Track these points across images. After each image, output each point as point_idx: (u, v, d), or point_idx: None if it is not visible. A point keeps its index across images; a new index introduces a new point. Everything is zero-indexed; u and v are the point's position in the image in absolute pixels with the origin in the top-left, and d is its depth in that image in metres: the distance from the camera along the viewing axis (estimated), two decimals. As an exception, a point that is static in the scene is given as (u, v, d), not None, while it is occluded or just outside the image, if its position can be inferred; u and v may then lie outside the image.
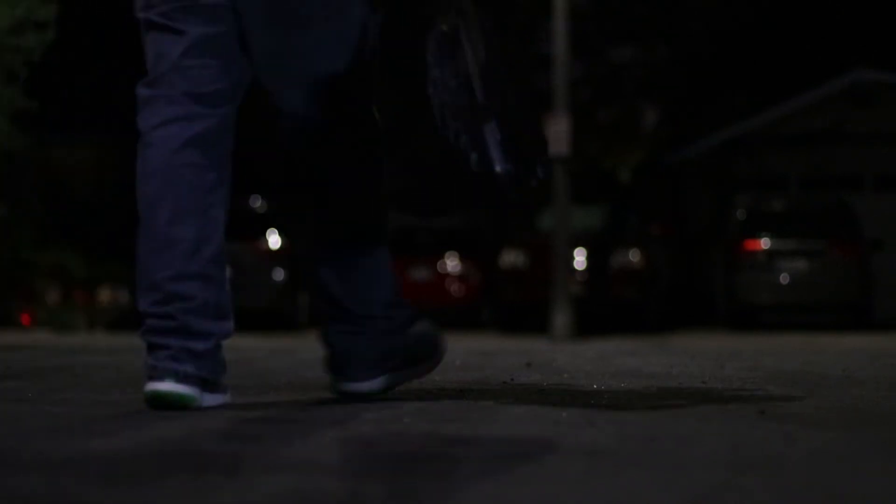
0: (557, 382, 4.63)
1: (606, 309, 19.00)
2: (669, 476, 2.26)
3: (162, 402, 3.30)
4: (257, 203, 19.84)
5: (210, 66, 3.36)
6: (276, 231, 19.37)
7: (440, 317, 21.77)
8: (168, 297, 3.30)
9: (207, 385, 3.35)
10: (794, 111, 23.30)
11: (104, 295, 18.75)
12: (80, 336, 14.73)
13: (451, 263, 21.81)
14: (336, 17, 3.31)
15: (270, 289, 19.09)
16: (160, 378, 3.29)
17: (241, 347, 8.70)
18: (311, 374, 5.11)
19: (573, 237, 16.81)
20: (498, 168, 3.19)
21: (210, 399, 3.38)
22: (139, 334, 3.37)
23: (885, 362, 6.24)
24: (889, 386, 4.44)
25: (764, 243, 19.14)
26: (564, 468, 2.36)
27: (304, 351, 8.04)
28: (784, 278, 18.93)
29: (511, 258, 19.09)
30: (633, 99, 29.52)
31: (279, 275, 19.11)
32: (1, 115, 10.39)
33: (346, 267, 3.52)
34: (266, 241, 19.29)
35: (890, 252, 21.04)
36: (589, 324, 17.12)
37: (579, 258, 18.54)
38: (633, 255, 18.92)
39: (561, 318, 15.70)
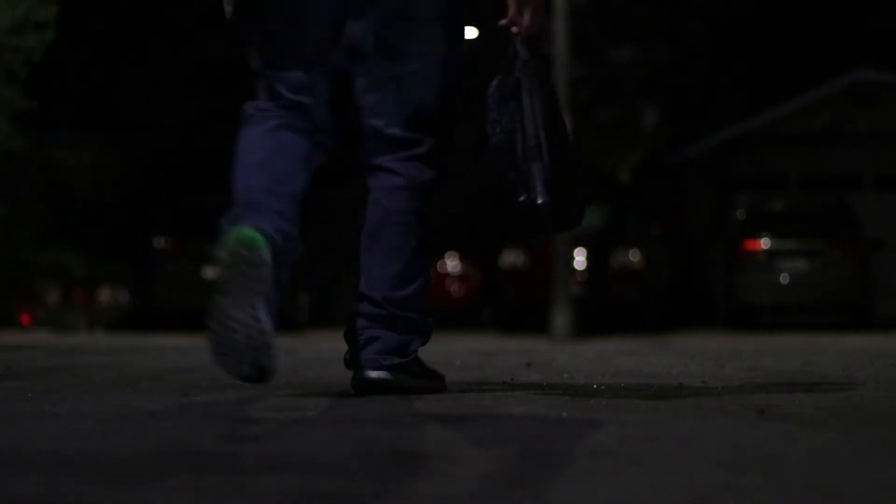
0: (557, 382, 4.63)
1: (606, 309, 18.99)
2: (669, 476, 2.26)
3: (237, 239, 3.53)
4: (257, 203, 19.85)
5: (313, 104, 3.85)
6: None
7: (440, 317, 21.71)
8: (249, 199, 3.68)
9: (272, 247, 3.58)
10: (794, 111, 23.29)
11: (104, 295, 18.74)
12: (80, 336, 14.73)
13: (451, 263, 21.81)
14: (430, 54, 3.80)
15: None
16: (235, 223, 3.59)
17: (241, 347, 8.69)
18: (310, 374, 5.11)
19: (573, 237, 16.79)
20: (540, 200, 3.58)
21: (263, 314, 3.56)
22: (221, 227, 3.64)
23: (885, 362, 6.24)
24: (889, 386, 4.44)
25: (764, 243, 19.13)
26: (564, 468, 2.36)
27: (304, 351, 8.04)
28: (784, 278, 18.92)
29: (511, 258, 19.08)
30: (633, 99, 29.52)
31: (279, 275, 19.10)
32: (1, 115, 10.39)
33: (402, 265, 3.85)
34: (266, 241, 19.29)
35: (890, 252, 21.03)
36: (589, 324, 17.11)
37: (579, 258, 18.53)
38: (633, 255, 18.91)
39: (561, 318, 15.69)
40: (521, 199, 3.57)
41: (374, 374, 3.84)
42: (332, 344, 10.50)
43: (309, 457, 2.50)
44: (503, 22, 3.71)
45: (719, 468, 2.34)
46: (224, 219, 3.65)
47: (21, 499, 2.00)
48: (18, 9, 10.13)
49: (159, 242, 19.21)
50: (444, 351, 7.99)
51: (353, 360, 3.93)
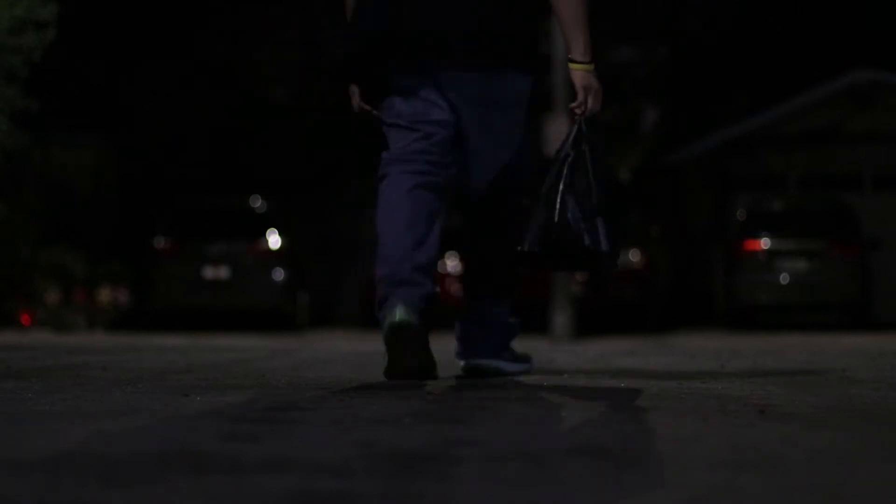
0: (557, 382, 4.63)
1: (606, 309, 18.98)
2: (669, 476, 2.26)
3: (397, 328, 4.51)
4: (257, 203, 19.83)
5: (438, 152, 4.84)
6: (276, 231, 19.36)
7: (440, 317, 21.55)
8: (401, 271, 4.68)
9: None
10: (794, 111, 23.28)
11: (104, 295, 18.72)
12: (80, 336, 14.72)
13: (451, 263, 21.78)
14: (515, 131, 4.96)
15: (270, 289, 19.07)
16: (392, 308, 4.56)
17: (241, 347, 8.70)
18: (311, 374, 5.11)
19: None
20: (603, 248, 4.62)
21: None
22: (377, 300, 4.65)
23: (885, 362, 6.24)
24: (889, 386, 4.44)
25: (764, 243, 19.13)
26: (564, 468, 2.36)
27: (304, 351, 8.04)
28: (784, 278, 18.91)
29: (511, 258, 19.03)
30: (633, 99, 29.51)
31: (279, 275, 19.09)
32: (1, 115, 10.38)
33: (495, 274, 5.09)
34: (266, 241, 19.27)
35: (889, 251, 21.03)
36: (589, 324, 17.11)
37: (579, 258, 18.49)
38: (633, 255, 18.91)
39: (561, 318, 15.69)
40: (587, 243, 4.60)
41: (481, 361, 5.03)
42: (331, 344, 10.51)
43: (309, 457, 2.50)
44: (573, 105, 4.86)
45: (719, 468, 2.34)
46: (380, 296, 4.65)
47: (21, 499, 2.00)
48: (18, 9, 10.13)
49: (159, 242, 19.21)
50: (445, 351, 7.99)
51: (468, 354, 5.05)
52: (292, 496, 2.04)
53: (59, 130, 20.86)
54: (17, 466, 2.33)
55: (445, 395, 3.96)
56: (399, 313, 4.54)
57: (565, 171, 4.71)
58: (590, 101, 4.89)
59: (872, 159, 22.73)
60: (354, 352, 7.79)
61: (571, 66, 4.89)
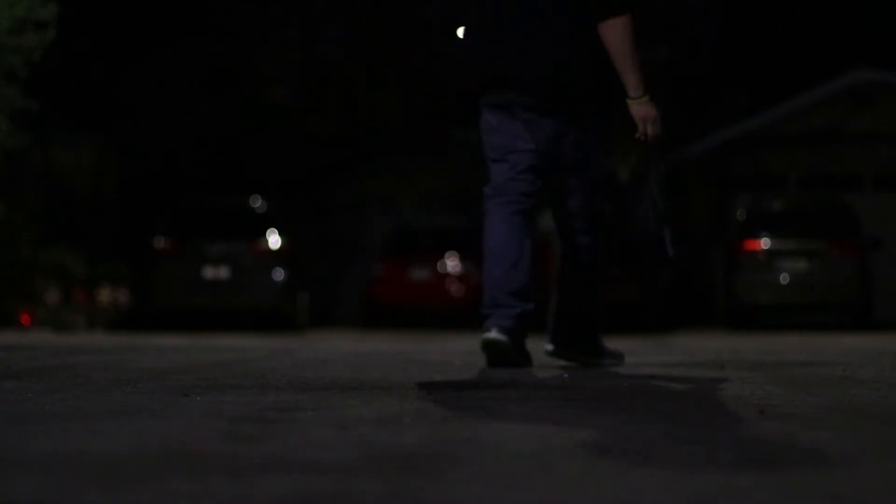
0: (558, 382, 4.63)
1: (606, 309, 18.95)
2: (669, 476, 2.26)
3: (489, 344, 5.52)
4: (257, 203, 19.82)
5: (525, 180, 5.76)
6: (276, 231, 19.35)
7: (440, 317, 21.54)
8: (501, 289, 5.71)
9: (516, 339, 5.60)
10: (794, 111, 23.27)
11: (104, 295, 18.70)
12: (80, 336, 14.72)
13: (451, 263, 21.82)
14: (586, 167, 5.81)
15: (270, 289, 19.06)
16: (489, 328, 5.54)
17: (242, 347, 8.69)
18: (311, 374, 5.11)
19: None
20: (671, 254, 5.59)
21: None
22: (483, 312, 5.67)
23: (885, 362, 6.24)
24: (889, 386, 4.44)
25: (764, 243, 19.12)
26: (564, 468, 2.36)
27: (304, 351, 8.03)
28: (784, 278, 18.90)
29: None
30: (633, 99, 29.45)
31: (279, 275, 19.08)
32: (1, 115, 10.38)
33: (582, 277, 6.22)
34: (266, 241, 19.26)
35: (889, 251, 21.02)
36: (589, 324, 17.09)
37: (579, 258, 18.49)
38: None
39: (561, 318, 15.66)
40: (660, 251, 5.59)
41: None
42: (331, 344, 10.50)
43: (309, 457, 2.50)
44: (637, 135, 5.65)
45: (719, 468, 2.34)
46: (482, 310, 5.68)
47: (21, 499, 2.00)
48: (18, 9, 10.13)
49: (159, 242, 19.20)
50: (444, 351, 7.99)
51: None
52: (292, 496, 2.04)
53: (59, 130, 20.85)
54: (18, 466, 2.33)
55: (445, 395, 3.96)
56: (493, 333, 5.53)
57: (640, 184, 5.68)
58: (649, 128, 5.69)
59: (872, 159, 22.72)
60: (354, 352, 7.79)
61: (629, 102, 5.68)
